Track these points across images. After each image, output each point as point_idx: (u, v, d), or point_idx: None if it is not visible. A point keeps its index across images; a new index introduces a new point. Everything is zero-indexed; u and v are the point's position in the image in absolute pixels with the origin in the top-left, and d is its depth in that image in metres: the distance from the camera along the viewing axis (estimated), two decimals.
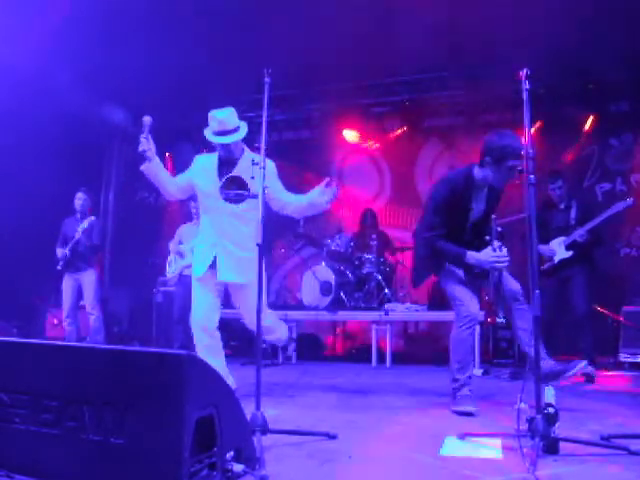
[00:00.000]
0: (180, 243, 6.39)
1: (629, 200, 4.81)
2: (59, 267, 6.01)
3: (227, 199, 3.69)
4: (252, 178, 3.03)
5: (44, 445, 2.00)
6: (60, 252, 6.01)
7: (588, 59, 6.30)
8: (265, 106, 2.98)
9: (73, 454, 1.95)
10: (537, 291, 2.55)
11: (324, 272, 6.58)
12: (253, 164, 3.00)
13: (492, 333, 6.23)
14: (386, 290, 6.44)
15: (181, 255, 6.31)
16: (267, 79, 3.02)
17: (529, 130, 2.71)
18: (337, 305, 6.44)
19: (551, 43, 5.45)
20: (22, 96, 6.12)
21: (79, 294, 6.10)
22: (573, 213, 5.22)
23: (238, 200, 3.68)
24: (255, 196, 2.98)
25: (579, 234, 5.04)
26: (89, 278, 6.04)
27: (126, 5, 5.40)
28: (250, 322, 3.93)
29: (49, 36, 5.64)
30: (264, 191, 2.88)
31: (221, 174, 3.83)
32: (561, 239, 5.18)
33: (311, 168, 8.41)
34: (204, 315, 3.92)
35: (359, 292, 6.54)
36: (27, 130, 6.39)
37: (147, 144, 3.67)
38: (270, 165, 3.84)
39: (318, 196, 3.71)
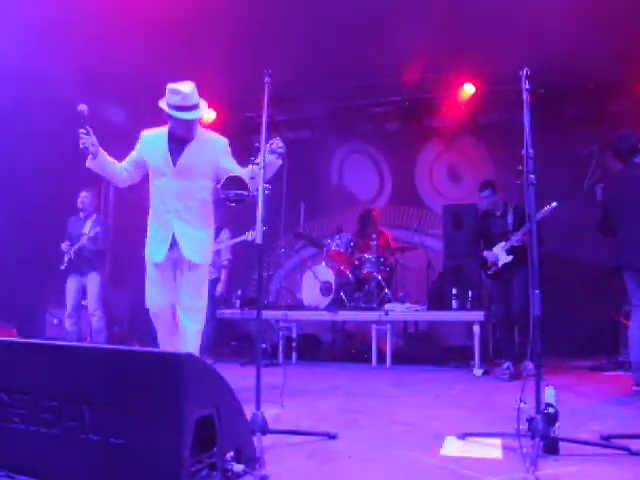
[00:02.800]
0: None
1: (554, 204, 4.93)
2: (63, 267, 5.98)
3: (227, 199, 3.68)
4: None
5: (44, 445, 2.00)
6: (65, 246, 5.98)
7: (588, 59, 6.30)
8: (265, 106, 2.98)
9: (73, 454, 1.95)
10: (537, 291, 2.55)
11: (324, 272, 6.58)
12: (251, 164, 2.96)
13: (492, 333, 6.23)
14: (386, 290, 6.44)
15: None
16: (267, 79, 3.02)
17: (529, 130, 2.71)
18: (337, 305, 6.44)
19: (551, 43, 5.45)
20: (22, 96, 6.11)
21: (83, 294, 6.09)
22: (509, 219, 5.46)
23: (238, 200, 3.67)
24: (255, 196, 2.97)
25: (515, 239, 5.26)
26: (93, 280, 6.02)
27: (126, 5, 5.40)
28: (188, 308, 3.66)
29: (49, 36, 5.64)
30: (264, 191, 2.88)
31: (172, 151, 3.66)
32: (502, 244, 5.43)
33: (311, 168, 8.42)
34: (166, 301, 3.70)
35: (359, 292, 6.53)
36: (27, 130, 6.39)
37: (88, 139, 3.48)
38: (222, 142, 3.82)
39: (268, 155, 3.33)
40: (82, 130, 3.47)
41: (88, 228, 5.95)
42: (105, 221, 6.37)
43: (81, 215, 6.13)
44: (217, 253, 6.21)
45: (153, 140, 3.75)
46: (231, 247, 6.30)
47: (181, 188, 3.68)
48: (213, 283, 6.33)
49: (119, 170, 3.73)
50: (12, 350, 2.19)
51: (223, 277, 6.33)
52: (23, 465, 2.02)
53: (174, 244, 3.66)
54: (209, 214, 3.86)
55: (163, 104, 3.63)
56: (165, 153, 3.68)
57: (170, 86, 3.60)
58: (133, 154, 3.80)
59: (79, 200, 6.15)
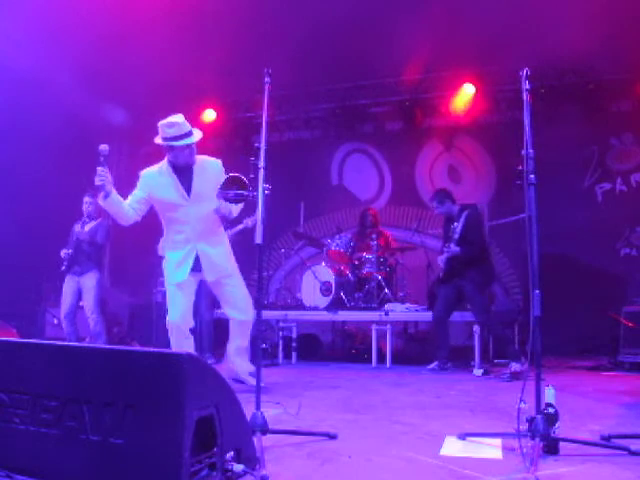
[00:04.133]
0: None
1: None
2: (63, 268, 5.97)
3: (226, 199, 3.68)
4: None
5: (44, 445, 2.00)
6: (63, 252, 5.98)
7: (588, 59, 6.31)
8: (265, 106, 2.98)
9: (73, 454, 1.95)
10: (537, 291, 2.55)
11: (324, 272, 6.57)
12: (252, 164, 2.98)
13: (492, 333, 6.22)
14: (386, 290, 6.44)
15: None
16: (267, 79, 3.02)
17: (529, 130, 2.70)
18: (337, 305, 6.43)
19: (551, 43, 5.45)
20: (22, 96, 6.12)
21: (79, 296, 6.05)
22: (458, 227, 5.55)
23: (238, 200, 3.67)
24: (255, 195, 2.97)
25: (447, 248, 5.49)
26: (90, 281, 5.97)
27: (126, 5, 5.41)
28: (242, 311, 4.14)
29: (49, 36, 5.65)
30: (264, 191, 2.88)
31: (182, 182, 3.94)
32: (442, 256, 5.65)
33: (311, 168, 8.43)
34: (183, 317, 4.02)
35: (359, 292, 6.53)
36: (27, 131, 6.40)
37: (106, 178, 3.68)
38: (218, 165, 4.09)
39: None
40: (101, 168, 3.67)
41: (89, 226, 5.95)
42: (108, 222, 6.35)
43: (86, 220, 6.08)
44: None
45: (157, 178, 3.98)
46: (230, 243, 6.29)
47: (199, 213, 3.97)
48: None
49: (127, 209, 3.90)
50: (12, 350, 2.19)
51: None
52: (23, 465, 2.02)
53: (197, 264, 4.02)
54: (222, 230, 4.28)
55: (159, 140, 3.88)
56: (177, 187, 3.94)
57: (162, 122, 3.85)
58: (137, 193, 3.97)
59: (84, 206, 6.11)
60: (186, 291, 4.04)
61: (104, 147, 3.58)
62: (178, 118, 3.86)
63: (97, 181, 3.66)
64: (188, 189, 3.95)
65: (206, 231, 4.05)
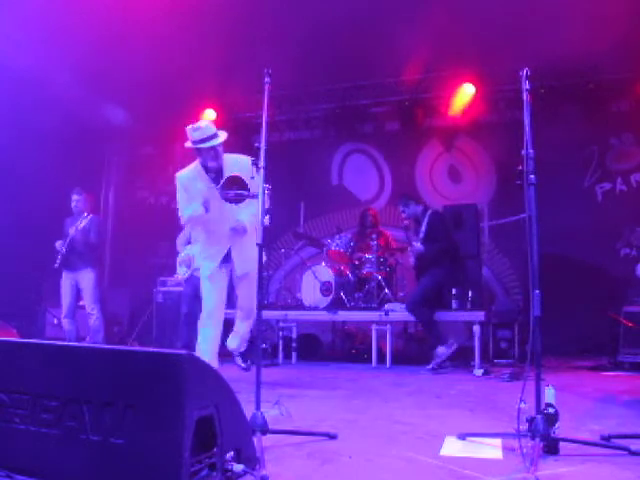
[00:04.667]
0: (188, 242, 6.39)
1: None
2: (56, 265, 5.98)
3: (226, 199, 3.69)
4: (252, 178, 3.09)
5: (44, 445, 2.00)
6: (58, 244, 5.99)
7: (588, 59, 6.30)
8: (265, 106, 2.98)
9: (73, 454, 1.95)
10: (537, 291, 2.55)
11: (324, 272, 6.57)
12: (253, 164, 3.00)
13: (492, 333, 6.23)
14: (386, 290, 6.43)
15: (189, 263, 6.33)
16: (267, 79, 3.02)
17: (529, 130, 2.70)
18: (337, 305, 6.43)
19: (551, 43, 5.45)
20: (22, 97, 6.12)
21: (77, 294, 6.07)
22: (423, 226, 5.79)
23: (238, 200, 3.68)
24: (255, 196, 2.97)
25: (412, 247, 5.82)
26: (87, 278, 6.00)
27: (126, 5, 5.40)
28: (250, 310, 4.40)
29: (49, 36, 5.64)
30: (264, 191, 2.88)
31: (215, 183, 4.04)
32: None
33: (311, 168, 8.43)
34: (217, 308, 4.32)
35: (359, 292, 6.53)
36: (27, 130, 6.39)
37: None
38: (247, 161, 4.03)
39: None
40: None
41: (81, 225, 5.95)
42: (98, 218, 6.36)
43: (78, 218, 6.11)
44: None
45: (192, 180, 4.17)
46: None
47: (233, 212, 4.10)
48: None
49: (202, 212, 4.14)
50: (12, 350, 2.19)
51: None
52: (23, 465, 2.02)
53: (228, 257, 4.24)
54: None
55: (188, 144, 4.09)
56: (211, 187, 4.07)
57: (189, 127, 4.05)
58: (183, 195, 4.19)
59: (72, 204, 6.14)
60: (220, 283, 4.30)
61: None
62: (202, 122, 4.11)
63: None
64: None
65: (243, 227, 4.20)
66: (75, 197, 6.17)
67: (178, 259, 6.45)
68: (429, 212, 5.83)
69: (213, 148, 4.06)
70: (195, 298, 6.33)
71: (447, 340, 5.53)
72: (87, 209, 6.23)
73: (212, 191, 4.03)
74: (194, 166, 4.22)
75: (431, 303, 5.71)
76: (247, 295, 4.37)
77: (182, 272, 6.39)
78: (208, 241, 4.31)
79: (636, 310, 5.68)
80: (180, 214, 4.24)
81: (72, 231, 5.95)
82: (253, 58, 4.85)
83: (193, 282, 6.31)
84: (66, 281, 6.03)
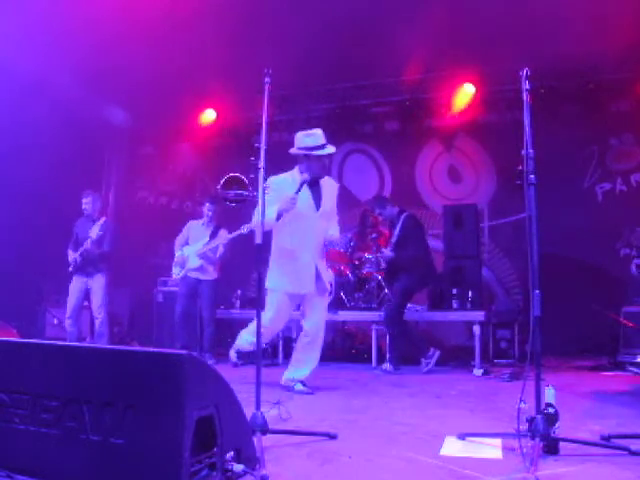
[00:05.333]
0: (186, 243, 6.39)
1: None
2: (70, 269, 5.96)
3: (226, 199, 3.70)
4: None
5: (44, 445, 2.00)
6: (71, 256, 5.94)
7: (588, 59, 6.29)
8: (265, 106, 2.98)
9: (73, 454, 1.95)
10: (537, 291, 2.55)
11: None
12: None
13: (492, 333, 6.23)
14: (386, 290, 6.43)
15: (184, 263, 6.32)
16: (267, 79, 3.02)
17: (529, 130, 2.71)
18: (337, 305, 6.43)
19: (551, 43, 5.45)
20: (22, 97, 6.11)
21: (85, 296, 6.05)
22: (396, 231, 5.76)
23: (238, 200, 3.69)
24: (256, 197, 2.97)
25: (381, 253, 5.88)
26: (98, 282, 5.96)
27: (126, 6, 5.40)
28: (318, 331, 4.28)
29: (49, 37, 5.64)
30: (264, 191, 2.88)
31: (313, 195, 4.11)
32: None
33: None
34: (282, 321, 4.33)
35: (359, 292, 6.53)
36: (27, 131, 6.39)
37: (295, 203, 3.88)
38: (336, 187, 4.37)
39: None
40: (294, 196, 3.83)
41: (95, 232, 5.89)
42: (112, 225, 6.31)
43: (89, 222, 6.05)
44: (214, 250, 6.22)
45: (289, 186, 4.00)
46: (228, 245, 6.30)
47: (320, 229, 4.15)
48: (214, 284, 6.34)
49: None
50: (12, 350, 2.19)
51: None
52: (23, 465, 2.02)
53: (318, 278, 4.14)
54: None
55: (295, 150, 4.08)
56: (308, 198, 4.07)
57: (301, 133, 4.12)
58: (271, 200, 3.83)
59: (83, 205, 6.09)
60: (289, 304, 4.23)
61: (305, 176, 3.88)
62: (315, 130, 4.11)
63: (291, 204, 3.80)
64: (318, 202, 4.12)
65: (320, 245, 4.22)
66: (85, 200, 6.07)
67: (175, 258, 6.45)
68: (404, 215, 5.77)
69: (329, 156, 4.08)
70: (190, 297, 6.35)
71: (427, 350, 5.51)
72: (98, 210, 6.18)
73: (310, 206, 4.06)
74: (292, 174, 4.12)
75: (404, 313, 5.70)
76: (319, 318, 4.26)
77: (176, 272, 6.40)
78: (287, 255, 4.14)
79: (636, 310, 5.68)
80: (254, 213, 3.89)
81: (87, 244, 5.87)
82: (253, 58, 4.84)
83: (188, 282, 6.31)
84: (76, 284, 5.98)
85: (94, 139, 7.91)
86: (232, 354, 4.70)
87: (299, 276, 4.10)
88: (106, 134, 8.46)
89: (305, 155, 4.03)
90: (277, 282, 4.16)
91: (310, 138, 4.03)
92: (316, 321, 4.24)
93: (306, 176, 3.96)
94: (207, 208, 6.30)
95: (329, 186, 4.24)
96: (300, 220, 4.03)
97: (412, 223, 5.78)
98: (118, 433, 1.88)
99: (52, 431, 1.99)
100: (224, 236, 6.21)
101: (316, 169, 4.04)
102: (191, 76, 6.52)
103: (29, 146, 6.49)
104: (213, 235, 6.29)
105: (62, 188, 6.65)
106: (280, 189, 3.95)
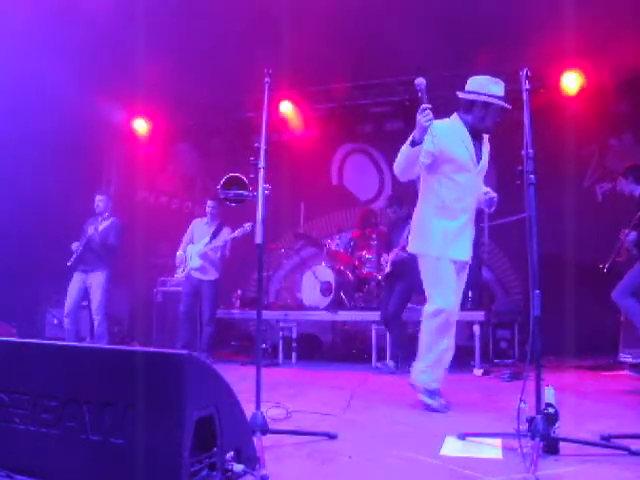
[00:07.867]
0: (192, 241, 6.40)
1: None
2: (69, 263, 5.94)
3: (227, 199, 3.69)
4: None
5: (44, 445, 2.00)
6: (75, 246, 5.96)
7: (588, 59, 6.29)
8: (265, 106, 2.98)
9: (73, 454, 1.95)
10: (537, 291, 2.55)
11: (324, 272, 6.57)
12: None
13: (492, 333, 6.23)
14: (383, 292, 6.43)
15: (185, 262, 6.33)
16: (267, 79, 3.02)
17: (529, 130, 2.71)
18: (337, 305, 6.43)
19: (551, 43, 5.45)
20: (22, 97, 6.11)
21: (84, 295, 6.04)
22: (406, 232, 5.61)
23: (238, 200, 3.67)
24: (256, 196, 2.96)
25: (385, 257, 5.86)
26: (98, 281, 5.95)
27: (126, 5, 5.40)
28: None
29: (48, 37, 5.64)
30: (264, 191, 2.87)
31: (475, 147, 3.60)
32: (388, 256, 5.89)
33: (311, 168, 8.42)
34: (457, 304, 3.63)
35: (359, 292, 6.53)
36: (27, 131, 6.39)
37: (431, 117, 3.41)
38: (488, 146, 3.74)
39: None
40: (426, 105, 3.35)
41: (102, 225, 5.93)
42: (120, 221, 6.33)
43: (98, 218, 6.09)
44: (214, 250, 6.22)
45: (452, 132, 3.58)
46: (230, 244, 6.31)
47: (477, 187, 3.64)
48: (215, 285, 6.34)
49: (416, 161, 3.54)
50: (12, 350, 2.19)
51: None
52: (23, 465, 2.02)
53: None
54: None
55: (474, 96, 3.53)
56: (471, 149, 3.57)
57: (483, 77, 3.56)
58: (428, 146, 3.52)
59: (95, 204, 6.13)
60: (454, 275, 3.57)
61: (420, 81, 3.23)
62: (500, 81, 3.55)
63: (425, 121, 3.33)
64: (478, 157, 3.61)
65: (474, 207, 3.68)
66: (98, 197, 6.13)
67: (178, 258, 6.44)
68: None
69: (501, 112, 3.52)
70: (193, 297, 6.35)
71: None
72: (109, 210, 6.20)
73: (472, 158, 3.55)
74: (451, 121, 3.65)
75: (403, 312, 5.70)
76: (460, 295, 3.69)
77: (179, 272, 6.40)
78: (448, 213, 3.58)
79: None
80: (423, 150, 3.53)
81: (91, 230, 5.92)
82: (253, 58, 4.84)
83: (191, 281, 6.31)
84: (75, 282, 5.98)
85: (94, 139, 7.91)
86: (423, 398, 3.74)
87: (461, 240, 3.59)
88: (106, 134, 8.46)
89: (484, 103, 3.50)
90: (441, 247, 3.54)
91: (498, 86, 3.50)
92: (459, 298, 3.69)
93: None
94: (209, 205, 6.33)
95: (487, 143, 3.73)
96: (459, 171, 3.56)
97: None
98: (118, 433, 1.88)
99: (52, 431, 1.99)
100: (226, 235, 6.22)
101: (490, 121, 3.56)
102: (191, 76, 6.51)
103: (29, 146, 6.49)
104: (216, 233, 6.30)
105: (62, 188, 6.65)
106: (442, 135, 3.52)
